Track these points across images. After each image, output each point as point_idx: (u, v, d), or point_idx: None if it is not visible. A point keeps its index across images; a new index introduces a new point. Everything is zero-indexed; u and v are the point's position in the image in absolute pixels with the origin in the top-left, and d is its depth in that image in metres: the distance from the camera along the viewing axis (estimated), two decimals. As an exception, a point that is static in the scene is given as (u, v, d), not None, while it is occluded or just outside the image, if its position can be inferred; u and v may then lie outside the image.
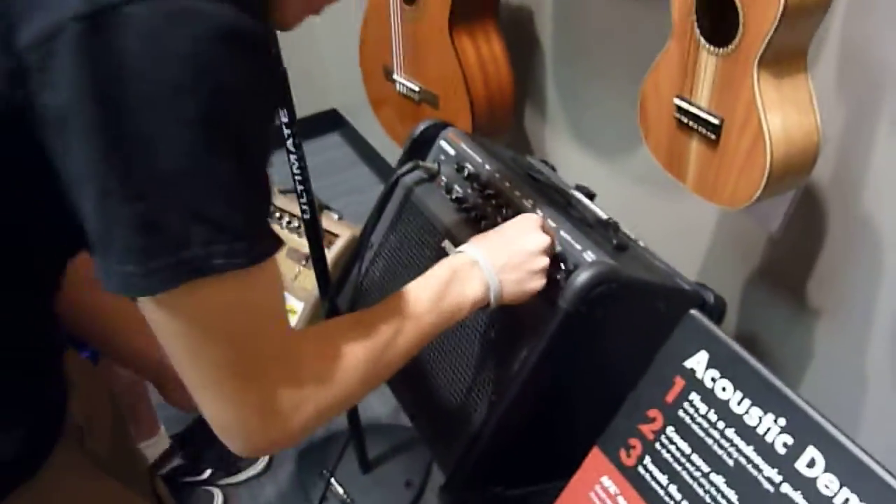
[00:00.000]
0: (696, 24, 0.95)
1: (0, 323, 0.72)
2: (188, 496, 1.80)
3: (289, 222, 1.91)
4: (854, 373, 1.22)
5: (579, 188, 1.21)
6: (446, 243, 1.18)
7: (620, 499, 0.97)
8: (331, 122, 3.11)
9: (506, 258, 0.91)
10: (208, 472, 1.83)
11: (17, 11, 0.55)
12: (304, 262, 1.84)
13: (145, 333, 0.69)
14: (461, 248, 0.92)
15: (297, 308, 1.84)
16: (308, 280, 1.81)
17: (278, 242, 0.64)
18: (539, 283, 0.93)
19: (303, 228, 1.88)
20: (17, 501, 0.75)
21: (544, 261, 0.94)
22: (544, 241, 0.95)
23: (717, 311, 1.14)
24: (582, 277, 0.96)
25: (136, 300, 0.62)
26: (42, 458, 0.77)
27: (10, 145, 0.59)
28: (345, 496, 1.75)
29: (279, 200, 1.96)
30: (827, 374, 1.27)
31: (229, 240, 0.59)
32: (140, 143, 0.55)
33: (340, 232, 1.86)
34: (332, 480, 1.77)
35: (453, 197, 1.21)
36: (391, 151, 2.58)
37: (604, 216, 1.12)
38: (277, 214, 1.93)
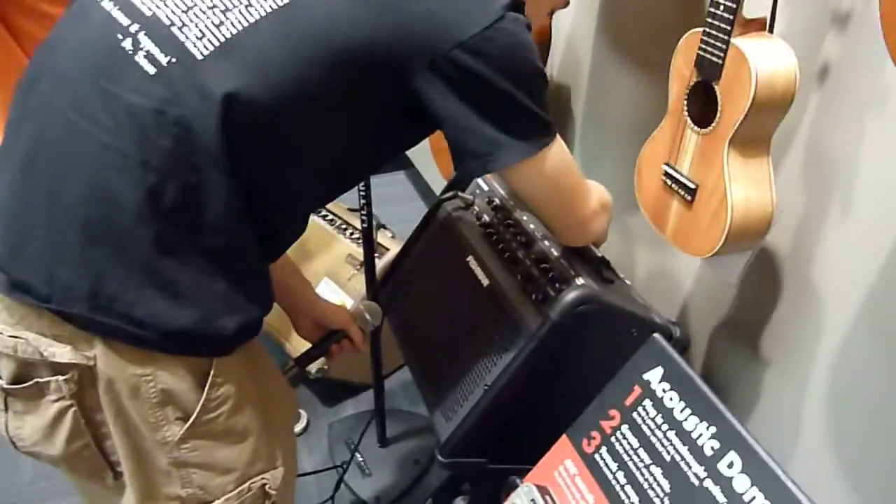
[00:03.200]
0: (686, 108, 1.00)
1: (290, 221, 0.90)
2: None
3: (351, 233, 1.95)
4: (790, 418, 1.19)
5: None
6: (470, 258, 1.23)
7: (578, 479, 0.99)
8: (398, 162, 3.20)
9: None
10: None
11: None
12: (358, 267, 1.88)
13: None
14: None
15: (347, 304, 1.86)
16: (360, 283, 1.84)
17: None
18: None
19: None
20: (248, 347, 0.87)
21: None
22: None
23: (680, 344, 1.16)
24: (570, 296, 1.02)
25: (510, 174, 0.90)
26: (261, 327, 0.88)
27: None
28: (363, 463, 1.79)
29: (346, 216, 2.01)
30: (770, 415, 1.23)
31: (550, 125, 0.88)
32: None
33: (391, 246, 1.89)
34: (354, 449, 1.82)
35: (481, 223, 1.25)
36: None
37: (598, 253, 1.16)
38: (343, 226, 1.98)
